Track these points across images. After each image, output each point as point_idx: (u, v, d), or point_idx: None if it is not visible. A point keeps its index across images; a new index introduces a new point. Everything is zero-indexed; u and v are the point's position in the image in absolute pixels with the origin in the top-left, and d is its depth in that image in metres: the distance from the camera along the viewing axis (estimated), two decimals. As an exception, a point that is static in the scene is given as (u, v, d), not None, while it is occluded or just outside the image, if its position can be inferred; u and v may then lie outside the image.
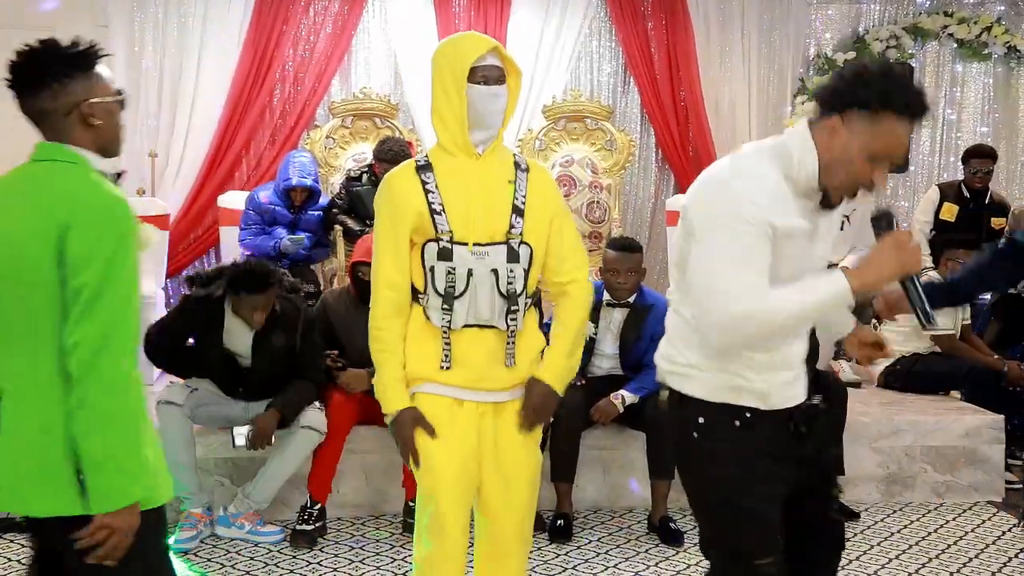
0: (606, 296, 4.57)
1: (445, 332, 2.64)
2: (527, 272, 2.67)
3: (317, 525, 4.22)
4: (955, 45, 7.71)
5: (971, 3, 7.72)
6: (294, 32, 6.98)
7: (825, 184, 2.14)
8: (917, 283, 2.15)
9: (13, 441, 2.01)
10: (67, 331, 1.93)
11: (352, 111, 6.86)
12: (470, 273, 2.61)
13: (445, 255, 2.61)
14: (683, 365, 2.27)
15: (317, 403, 4.29)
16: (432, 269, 2.63)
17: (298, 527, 4.20)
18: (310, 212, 5.98)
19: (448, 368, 2.64)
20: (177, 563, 3.92)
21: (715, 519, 2.31)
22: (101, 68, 2.07)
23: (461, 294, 2.61)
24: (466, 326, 2.64)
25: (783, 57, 7.53)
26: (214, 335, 4.20)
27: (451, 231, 2.61)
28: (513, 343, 2.67)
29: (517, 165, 2.71)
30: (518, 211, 2.64)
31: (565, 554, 4.15)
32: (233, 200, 6.45)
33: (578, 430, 4.44)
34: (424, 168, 2.66)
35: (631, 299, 4.55)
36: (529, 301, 2.72)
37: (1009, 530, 4.51)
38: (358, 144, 6.82)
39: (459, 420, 2.66)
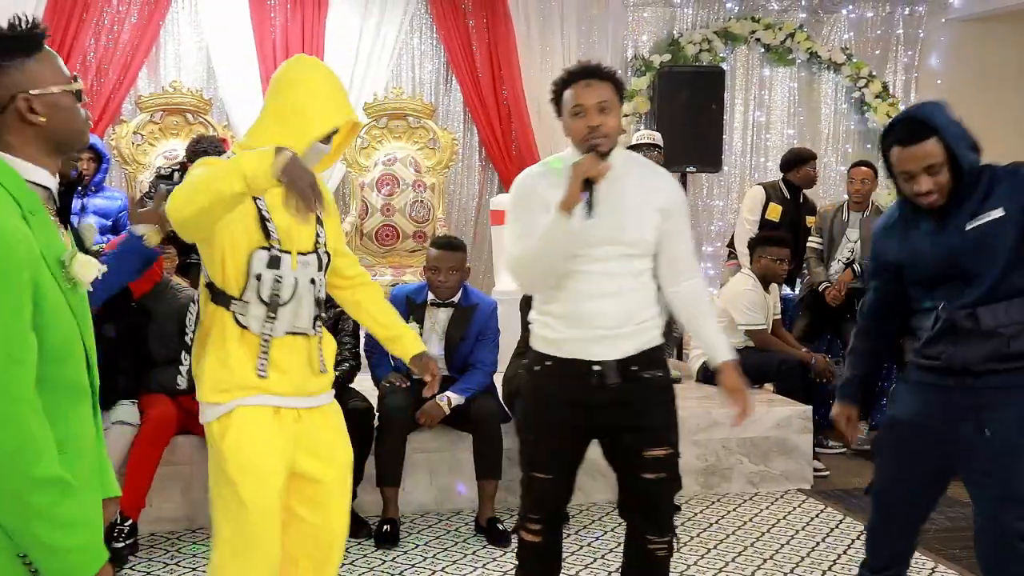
0: (430, 296, 4.52)
1: (265, 340, 2.58)
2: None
3: (128, 543, 3.99)
4: (763, 50, 8.05)
5: (776, 10, 8.08)
6: (95, 20, 6.59)
7: (581, 149, 2.76)
8: (594, 188, 2.67)
9: None
10: None
11: (161, 106, 6.53)
12: (296, 282, 2.61)
13: (274, 263, 2.57)
14: (529, 320, 2.95)
15: (129, 400, 4.17)
16: (259, 277, 2.56)
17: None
18: (100, 196, 5.70)
19: (264, 376, 2.58)
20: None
21: (518, 437, 3.02)
22: (46, 54, 1.74)
23: (286, 303, 2.59)
24: (286, 333, 2.62)
25: (602, 58, 7.60)
26: None
27: (279, 239, 2.58)
28: (321, 349, 2.71)
29: None
30: (319, 221, 2.69)
31: (392, 560, 4.07)
32: (30, 198, 6.03)
33: (403, 433, 4.36)
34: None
35: (456, 299, 4.51)
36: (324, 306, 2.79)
37: (817, 515, 4.71)
38: (168, 140, 6.50)
39: (279, 429, 2.62)
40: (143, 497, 4.08)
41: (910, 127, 2.71)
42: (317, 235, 2.67)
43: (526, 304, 4.66)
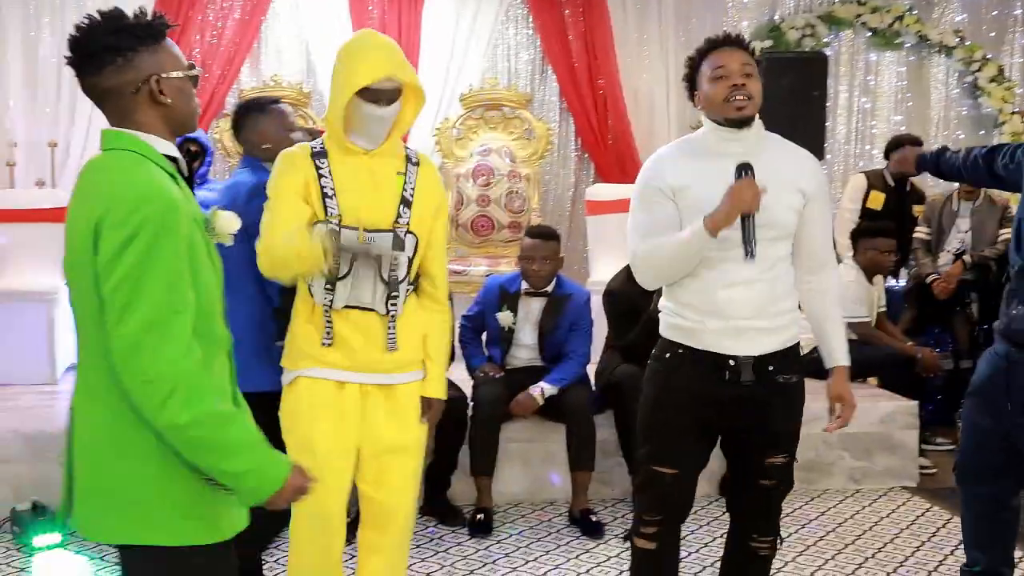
0: (524, 285, 4.51)
1: (326, 311, 2.70)
2: (411, 260, 2.75)
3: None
4: (869, 34, 7.80)
5: (884, -8, 7.82)
6: (200, 17, 6.75)
7: (721, 120, 2.64)
8: (752, 221, 2.53)
9: (84, 459, 1.86)
10: (108, 347, 1.75)
11: (263, 99, 6.66)
12: (354, 257, 2.67)
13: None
14: (660, 308, 2.79)
15: None
16: None
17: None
18: (204, 189, 5.79)
19: (330, 344, 2.70)
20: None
21: (639, 429, 2.82)
22: (169, 42, 1.89)
23: (343, 276, 2.68)
24: (347, 307, 2.71)
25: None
26: None
27: (340, 215, 2.67)
28: (394, 327, 2.74)
29: (408, 159, 2.80)
30: (406, 202, 2.73)
31: (485, 548, 4.08)
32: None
33: (497, 423, 4.37)
34: (319, 155, 2.73)
35: (549, 288, 4.50)
36: (411, 287, 2.80)
37: (923, 514, 4.55)
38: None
39: (340, 402, 2.73)
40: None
41: None
42: (399, 215, 2.71)
43: (608, 296, 4.63)
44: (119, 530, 1.85)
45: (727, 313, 2.62)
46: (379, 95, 2.66)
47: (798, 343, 2.75)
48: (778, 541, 2.89)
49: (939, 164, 3.36)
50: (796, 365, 2.74)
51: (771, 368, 2.65)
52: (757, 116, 2.67)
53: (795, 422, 2.77)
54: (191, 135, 5.80)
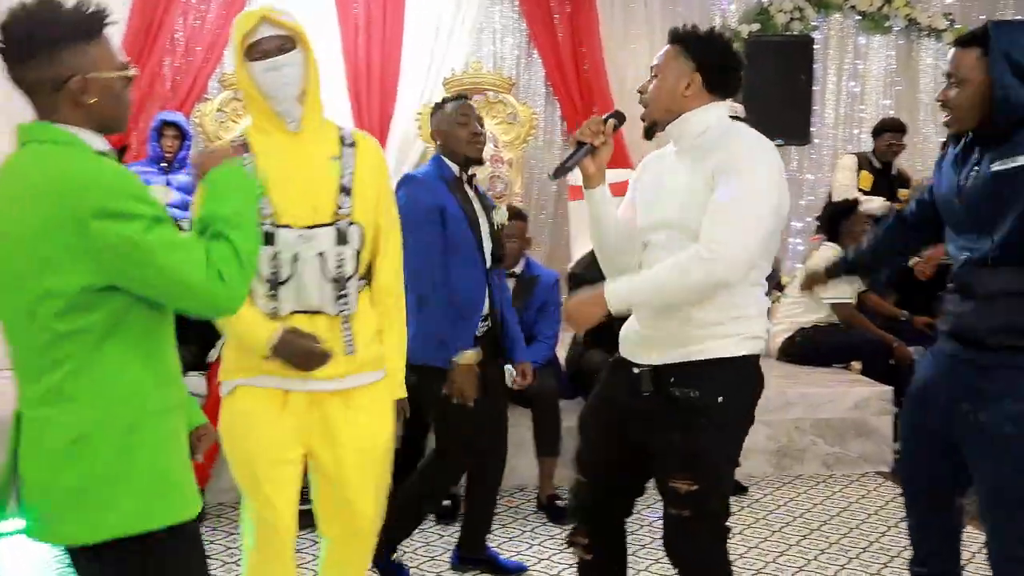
0: (491, 266, 4.48)
1: (272, 319, 2.47)
2: (358, 253, 2.51)
3: (192, 511, 4.07)
4: (857, 17, 7.72)
5: (873, -25, 7.73)
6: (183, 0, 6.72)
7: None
8: (580, 151, 2.50)
9: (40, 463, 1.83)
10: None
11: (244, 83, 6.63)
12: (295, 258, 2.45)
13: (268, 239, 2.42)
14: None
15: (197, 372, 4.22)
16: None
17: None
18: (183, 173, 5.78)
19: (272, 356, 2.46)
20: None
21: None
22: (104, 39, 1.82)
23: (286, 280, 2.46)
24: (294, 312, 2.48)
25: (687, 29, 7.43)
26: None
27: (273, 213, 2.43)
28: (349, 328, 2.52)
29: (342, 140, 2.56)
30: (345, 190, 2.49)
31: (450, 535, 4.05)
32: (119, 175, 6.21)
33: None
34: (239, 148, 2.43)
35: (518, 269, 4.47)
36: (363, 282, 2.58)
37: (893, 499, 4.52)
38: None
39: (282, 411, 2.51)
40: (210, 467, 4.16)
41: (972, 33, 2.53)
42: (339, 206, 2.47)
43: (571, 278, 4.60)
44: (83, 530, 1.80)
45: (637, 318, 2.53)
46: (266, 47, 2.43)
47: (722, 359, 2.41)
48: None
49: (852, 261, 3.11)
50: (701, 380, 2.40)
51: (671, 379, 2.42)
52: (692, 115, 2.48)
53: (699, 443, 2.39)
54: (171, 119, 5.87)
